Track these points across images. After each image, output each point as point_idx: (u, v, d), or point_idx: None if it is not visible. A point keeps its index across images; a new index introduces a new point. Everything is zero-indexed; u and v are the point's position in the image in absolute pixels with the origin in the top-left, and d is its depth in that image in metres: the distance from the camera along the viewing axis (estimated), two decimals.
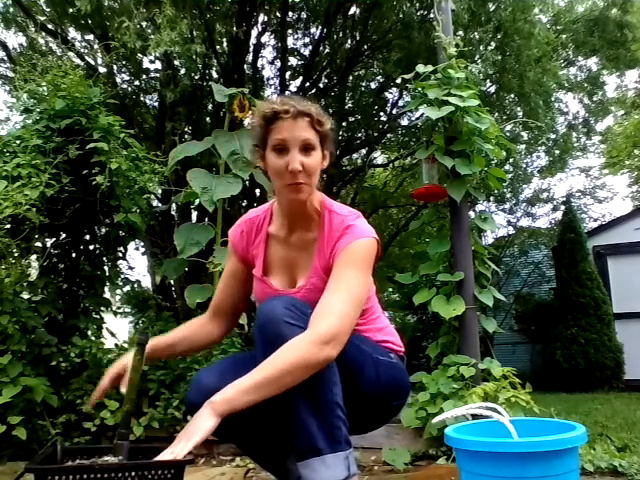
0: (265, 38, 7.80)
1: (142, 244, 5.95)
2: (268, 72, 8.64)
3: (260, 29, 7.50)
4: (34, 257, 3.00)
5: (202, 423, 1.10)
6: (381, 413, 1.39)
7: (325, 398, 1.15)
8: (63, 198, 2.83)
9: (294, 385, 1.13)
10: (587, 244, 7.67)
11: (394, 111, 8.42)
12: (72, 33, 6.95)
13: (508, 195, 9.63)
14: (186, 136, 6.67)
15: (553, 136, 8.26)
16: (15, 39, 7.17)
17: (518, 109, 7.15)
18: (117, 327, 3.51)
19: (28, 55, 5.53)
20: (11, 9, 6.43)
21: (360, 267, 1.26)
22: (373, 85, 8.53)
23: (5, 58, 7.00)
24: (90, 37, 6.93)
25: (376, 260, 1.34)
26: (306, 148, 1.28)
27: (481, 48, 6.20)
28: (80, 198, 2.95)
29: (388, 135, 8.80)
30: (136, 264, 3.86)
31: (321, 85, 8.20)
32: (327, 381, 1.16)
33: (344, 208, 1.39)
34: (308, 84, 7.98)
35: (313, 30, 7.85)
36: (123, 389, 1.29)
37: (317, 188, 1.38)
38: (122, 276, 3.44)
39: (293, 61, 8.33)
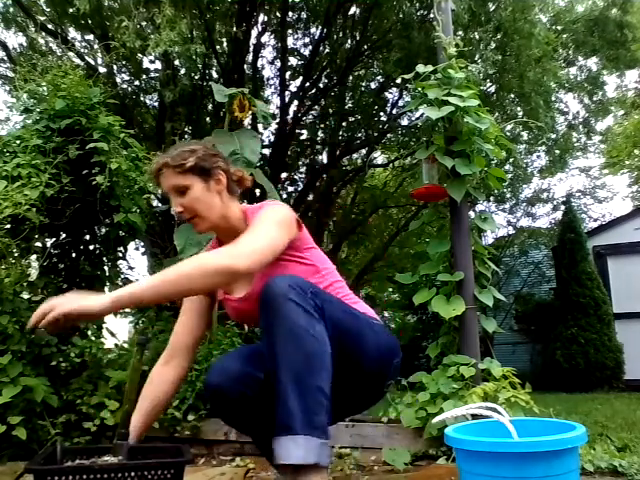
0: (265, 38, 7.81)
1: (142, 244, 5.95)
2: (268, 72, 8.65)
3: (260, 29, 7.51)
4: (34, 257, 2.99)
5: (92, 299, 1.23)
6: (386, 372, 1.45)
7: (309, 381, 1.17)
8: (63, 198, 2.83)
9: (197, 288, 1.25)
10: (587, 244, 7.67)
11: (394, 111, 8.42)
12: (72, 33, 6.96)
13: (508, 195, 9.64)
14: (186, 136, 6.67)
15: (553, 136, 8.26)
16: (15, 39, 7.19)
17: (518, 109, 7.15)
18: (117, 327, 3.50)
19: (28, 55, 5.53)
20: (11, 9, 6.43)
21: (272, 222, 1.35)
22: (373, 85, 8.53)
23: (5, 58, 7.00)
24: (90, 37, 6.93)
25: (300, 229, 1.44)
26: (179, 191, 1.43)
27: (481, 48, 6.20)
28: (80, 198, 2.94)
29: (388, 135, 8.79)
30: (136, 264, 3.86)
31: (321, 85, 8.20)
32: (314, 365, 1.18)
33: (257, 206, 1.51)
34: (308, 84, 7.98)
35: (313, 30, 7.85)
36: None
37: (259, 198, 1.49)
38: (122, 276, 3.43)
39: (293, 61, 8.34)
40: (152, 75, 7.23)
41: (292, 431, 1.14)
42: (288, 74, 8.21)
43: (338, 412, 1.46)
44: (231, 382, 1.34)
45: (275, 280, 1.25)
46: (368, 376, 1.40)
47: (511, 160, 7.31)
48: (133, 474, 1.12)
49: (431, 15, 3.79)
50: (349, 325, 1.33)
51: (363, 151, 9.24)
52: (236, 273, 1.21)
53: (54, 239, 3.13)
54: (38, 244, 3.00)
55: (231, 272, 1.20)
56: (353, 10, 7.30)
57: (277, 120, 7.80)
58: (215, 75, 7.41)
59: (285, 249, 1.38)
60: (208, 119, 7.50)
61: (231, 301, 1.52)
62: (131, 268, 3.67)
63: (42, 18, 6.16)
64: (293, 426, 1.14)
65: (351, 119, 8.61)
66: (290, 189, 9.36)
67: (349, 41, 7.73)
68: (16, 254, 2.80)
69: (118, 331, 3.38)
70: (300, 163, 9.39)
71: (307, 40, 8.04)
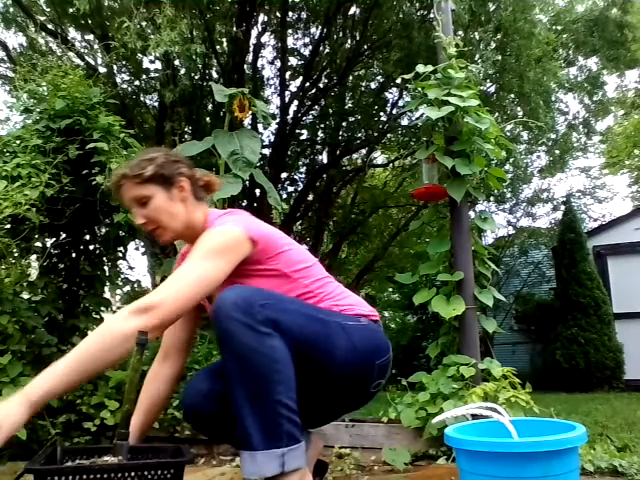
0: (265, 38, 7.82)
1: (142, 244, 5.94)
2: (268, 72, 8.66)
3: (260, 29, 7.51)
4: (34, 257, 2.99)
5: (9, 417, 1.06)
6: (369, 376, 1.39)
7: (265, 397, 1.16)
8: (63, 198, 2.83)
9: (114, 359, 1.15)
10: (587, 244, 7.67)
11: (394, 111, 8.43)
12: (72, 33, 6.97)
13: (508, 195, 9.65)
14: (186, 136, 6.68)
15: (553, 136, 8.27)
16: (15, 39, 7.20)
17: (518, 109, 7.15)
18: None
19: (28, 55, 5.53)
20: (11, 9, 6.44)
21: (205, 252, 1.28)
22: (373, 85, 8.54)
23: (5, 58, 7.00)
24: (90, 37, 6.94)
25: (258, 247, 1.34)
26: (140, 202, 1.40)
27: (481, 48, 6.20)
28: (80, 198, 2.94)
29: (388, 135, 8.80)
30: (136, 264, 3.85)
31: (321, 85, 8.20)
32: (269, 380, 1.16)
33: (220, 212, 1.46)
34: (308, 84, 7.99)
35: (313, 30, 7.86)
36: None
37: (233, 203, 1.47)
38: (122, 276, 3.43)
39: (293, 61, 8.35)
40: (152, 75, 7.24)
41: (250, 447, 1.16)
42: (288, 74, 8.22)
43: (320, 415, 1.47)
44: (201, 401, 1.38)
45: (221, 298, 1.20)
46: (343, 380, 1.34)
47: (511, 160, 7.31)
48: (133, 474, 1.12)
49: (431, 15, 3.79)
50: (312, 332, 1.26)
51: (363, 151, 9.25)
52: (152, 331, 1.15)
53: (54, 239, 3.13)
54: (38, 244, 3.00)
55: (139, 329, 1.14)
56: (353, 10, 7.31)
57: (277, 120, 7.80)
58: (215, 75, 7.42)
59: (245, 265, 1.32)
60: (208, 119, 7.50)
61: (208, 306, 1.50)
62: (131, 268, 3.67)
63: (42, 18, 6.16)
64: (250, 442, 1.16)
65: (351, 119, 8.62)
66: (290, 189, 9.38)
67: (349, 41, 7.74)
68: (16, 254, 2.80)
69: None
70: (300, 163, 9.40)
71: (307, 40, 8.06)
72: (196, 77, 6.88)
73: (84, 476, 1.10)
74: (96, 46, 6.44)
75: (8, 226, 2.66)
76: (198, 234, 1.37)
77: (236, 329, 1.16)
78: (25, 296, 2.84)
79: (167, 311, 1.18)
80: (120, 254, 3.35)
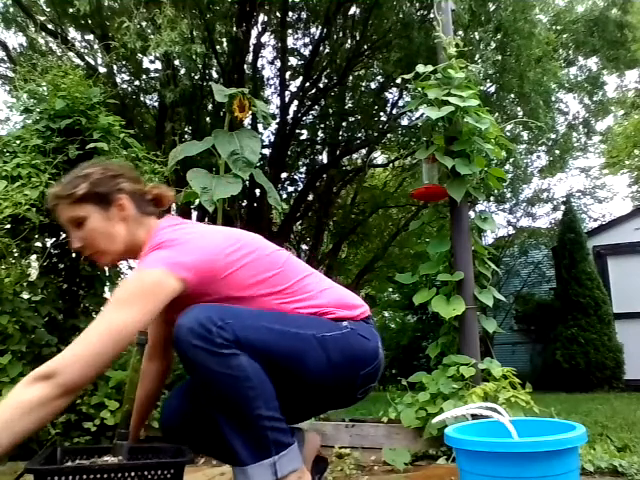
0: (265, 38, 7.83)
1: None
2: (268, 72, 8.67)
3: (260, 29, 7.52)
4: (34, 257, 2.99)
5: None
6: (352, 385, 1.33)
7: (245, 415, 1.14)
8: None
9: (31, 425, 1.05)
10: (587, 244, 7.67)
11: (394, 111, 8.43)
12: (72, 33, 6.97)
13: (508, 195, 9.65)
14: (186, 136, 6.68)
15: (553, 136, 8.27)
16: (15, 39, 7.20)
17: (518, 109, 7.15)
18: None
19: (28, 55, 5.53)
20: (11, 9, 6.44)
21: (119, 301, 1.16)
22: (373, 85, 8.55)
23: (5, 58, 7.00)
24: (90, 37, 6.94)
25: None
26: (77, 223, 1.29)
27: (481, 48, 6.20)
28: None
29: (388, 135, 8.80)
30: (136, 264, 3.85)
31: (321, 85, 8.20)
32: (244, 398, 1.14)
33: (154, 238, 1.28)
34: (308, 84, 7.99)
35: (313, 30, 7.87)
36: None
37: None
38: (122, 276, 3.43)
39: (293, 61, 8.36)
40: (152, 75, 7.24)
41: (239, 463, 1.17)
42: (288, 74, 8.23)
43: (302, 414, 1.46)
44: (175, 420, 1.40)
45: (178, 325, 1.14)
46: (321, 392, 1.30)
47: (511, 160, 7.32)
48: (133, 474, 1.12)
49: (431, 15, 3.79)
50: (281, 348, 1.19)
51: (363, 151, 9.25)
52: (54, 400, 1.05)
53: (54, 239, 3.12)
54: (38, 244, 3.00)
55: (47, 403, 1.05)
56: (353, 10, 7.31)
57: (277, 120, 7.81)
58: (215, 75, 7.42)
59: (188, 300, 1.19)
60: (208, 119, 7.50)
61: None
62: (131, 268, 3.67)
63: (42, 18, 6.16)
64: (239, 459, 1.16)
65: (351, 119, 8.62)
66: (290, 189, 9.39)
67: (349, 41, 7.74)
68: (16, 254, 2.79)
69: None
70: (300, 163, 9.40)
71: (307, 40, 8.06)
72: (196, 77, 6.88)
73: (84, 476, 1.10)
74: (96, 46, 6.44)
75: (8, 226, 2.66)
76: (141, 252, 1.27)
77: (198, 356, 1.11)
78: (25, 296, 2.84)
79: (71, 376, 1.07)
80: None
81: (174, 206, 5.61)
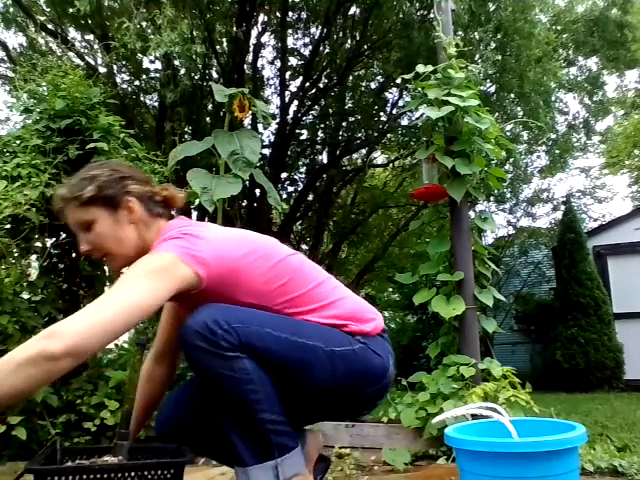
0: (265, 38, 7.83)
1: None
2: (268, 72, 8.66)
3: (260, 29, 7.52)
4: (34, 257, 2.99)
5: None
6: (357, 402, 1.32)
7: (248, 418, 1.15)
8: None
9: (20, 382, 0.98)
10: (587, 244, 7.67)
11: (394, 111, 8.43)
12: (72, 33, 6.97)
13: (508, 195, 9.64)
14: (186, 136, 6.68)
15: (553, 136, 8.27)
16: (15, 39, 7.20)
17: (518, 109, 7.15)
18: None
19: (28, 55, 5.53)
20: (11, 9, 6.44)
21: (134, 277, 1.13)
22: (373, 85, 8.55)
23: (5, 58, 7.00)
24: (90, 37, 6.95)
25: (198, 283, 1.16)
26: (85, 227, 1.26)
27: (481, 48, 6.20)
28: None
29: (388, 135, 8.80)
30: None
31: (321, 85, 8.20)
32: (246, 401, 1.14)
33: (167, 232, 1.25)
34: (308, 84, 7.99)
35: (313, 30, 7.87)
36: None
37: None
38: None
39: (293, 61, 8.35)
40: (152, 75, 7.24)
41: (242, 464, 1.17)
42: (288, 74, 8.22)
43: (306, 420, 1.43)
44: (168, 428, 1.37)
45: (185, 326, 1.14)
46: (324, 404, 1.29)
47: (511, 160, 7.32)
48: (133, 474, 1.12)
49: (431, 15, 3.79)
50: (286, 358, 1.18)
51: (363, 151, 9.25)
52: (49, 358, 0.98)
53: (54, 239, 3.12)
54: (38, 244, 3.00)
55: (43, 359, 0.97)
56: (353, 10, 7.31)
57: (277, 120, 7.81)
58: (215, 75, 7.42)
59: (210, 296, 1.18)
60: (208, 119, 7.50)
61: None
62: None
63: (42, 18, 6.16)
64: (241, 460, 1.16)
65: (351, 119, 8.62)
66: (290, 189, 9.39)
67: (349, 41, 7.74)
68: (16, 254, 2.80)
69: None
70: (300, 163, 9.40)
71: (307, 40, 8.06)
72: (196, 77, 6.88)
73: (84, 476, 1.10)
74: (96, 46, 6.44)
75: (8, 226, 2.66)
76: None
77: (203, 357, 1.12)
78: (25, 296, 2.84)
79: (76, 340, 1.00)
80: None
81: None
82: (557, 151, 8.74)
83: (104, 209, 1.25)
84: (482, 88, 6.08)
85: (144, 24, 5.24)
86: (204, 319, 1.12)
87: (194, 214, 6.14)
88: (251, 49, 7.39)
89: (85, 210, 1.25)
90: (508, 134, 7.31)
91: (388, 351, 1.34)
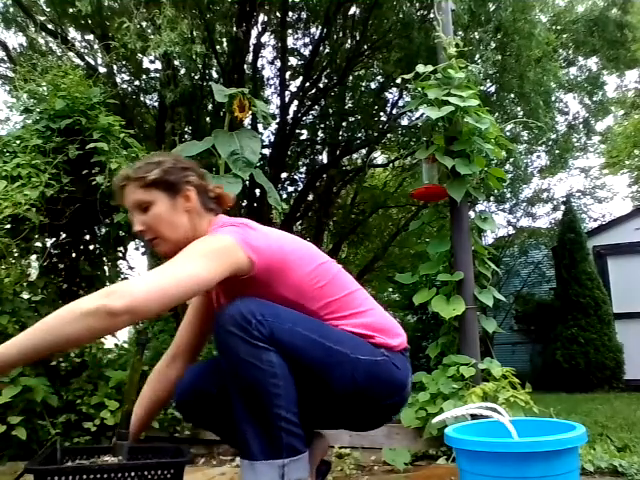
0: (265, 38, 7.82)
1: (142, 244, 5.94)
2: (268, 72, 8.65)
3: (260, 29, 7.51)
4: (34, 257, 2.99)
5: None
6: (372, 412, 1.36)
7: (264, 410, 1.16)
8: (63, 198, 2.83)
9: (70, 333, 1.04)
10: (587, 244, 7.67)
11: (394, 111, 8.42)
12: (72, 33, 6.96)
13: (508, 195, 9.64)
14: (186, 136, 6.67)
15: (553, 136, 8.26)
16: (15, 39, 7.20)
17: (518, 109, 7.15)
18: None
19: (28, 55, 5.52)
20: (11, 9, 6.44)
21: (198, 253, 1.18)
22: (373, 85, 8.54)
23: (5, 58, 7.00)
24: (90, 37, 6.94)
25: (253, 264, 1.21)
26: (141, 208, 1.32)
27: (481, 48, 6.19)
28: (80, 198, 2.94)
29: (388, 135, 8.79)
30: (136, 264, 3.85)
31: (321, 85, 8.20)
32: (267, 393, 1.16)
33: (220, 222, 1.34)
34: (308, 84, 7.98)
35: (313, 30, 7.86)
36: None
37: (219, 212, 1.41)
38: (122, 276, 3.43)
39: (293, 61, 8.35)
40: (152, 75, 7.24)
41: (249, 456, 1.17)
42: (288, 74, 8.22)
43: (320, 424, 1.45)
44: (187, 396, 1.39)
45: (221, 311, 1.20)
46: (340, 408, 1.31)
47: (511, 160, 7.31)
48: (133, 474, 1.12)
49: (431, 15, 3.79)
50: (310, 358, 1.22)
51: (363, 151, 9.25)
52: (108, 315, 1.03)
53: (54, 239, 3.13)
54: (38, 244, 3.00)
55: (103, 313, 1.03)
56: (353, 10, 7.30)
57: (277, 120, 7.80)
58: (215, 75, 7.42)
59: (256, 286, 1.23)
60: (208, 119, 7.50)
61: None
62: (131, 268, 3.67)
63: (42, 18, 6.15)
64: (250, 452, 1.17)
65: (351, 119, 8.61)
66: (290, 189, 9.38)
67: (349, 41, 7.73)
68: (16, 254, 2.80)
69: (118, 331, 3.39)
70: (300, 163, 9.40)
71: (307, 40, 8.05)
72: (196, 77, 6.87)
73: (84, 476, 1.10)
74: (96, 46, 6.43)
75: (8, 226, 2.66)
76: None
77: (234, 343, 1.15)
78: (25, 296, 2.84)
79: (136, 298, 1.06)
80: (120, 254, 3.35)
81: None
82: (557, 151, 8.74)
83: (164, 193, 1.31)
84: (482, 88, 6.08)
85: (144, 24, 5.23)
86: (241, 308, 1.17)
87: None
88: (251, 49, 7.38)
89: (147, 191, 1.31)
90: (508, 134, 7.30)
91: (408, 369, 1.38)
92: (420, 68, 2.88)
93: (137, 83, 7.45)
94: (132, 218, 1.36)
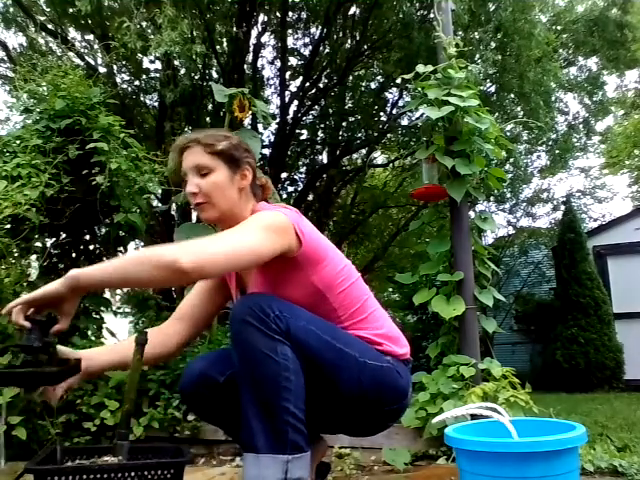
0: (265, 38, 7.82)
1: (142, 244, 5.95)
2: (268, 72, 8.65)
3: (260, 29, 7.51)
4: (34, 257, 2.99)
5: (50, 285, 1.17)
6: (374, 417, 1.38)
7: (273, 402, 1.16)
8: (63, 198, 2.83)
9: (144, 276, 1.12)
10: (587, 244, 7.67)
11: (394, 111, 8.42)
12: (72, 33, 6.96)
13: (508, 195, 9.63)
14: None
15: (553, 136, 8.26)
16: (15, 39, 7.18)
17: (518, 109, 7.15)
18: (117, 327, 3.51)
19: (28, 55, 5.52)
20: (11, 9, 6.44)
21: (257, 226, 1.24)
22: (373, 85, 8.54)
23: (5, 58, 7.00)
24: (90, 37, 6.94)
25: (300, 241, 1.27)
26: (201, 172, 1.36)
27: (481, 48, 6.19)
28: (80, 198, 2.94)
29: (388, 135, 8.79)
30: None
31: (321, 85, 8.20)
32: (278, 386, 1.16)
33: (265, 206, 1.42)
34: (308, 84, 7.98)
35: (313, 30, 7.86)
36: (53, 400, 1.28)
37: (264, 198, 1.48)
38: None
39: (293, 61, 8.35)
40: (152, 75, 7.24)
41: (254, 449, 1.17)
42: (288, 74, 8.22)
43: (325, 426, 1.46)
44: (194, 382, 1.39)
45: (239, 302, 1.24)
46: (344, 409, 1.34)
47: (511, 160, 7.31)
48: (133, 474, 1.12)
49: (431, 15, 3.79)
50: (320, 358, 1.25)
51: (363, 151, 9.25)
52: (178, 270, 1.09)
53: (54, 239, 3.13)
54: (38, 244, 3.00)
55: (172, 267, 1.09)
56: (353, 10, 7.30)
57: (277, 120, 7.80)
58: (215, 75, 7.41)
59: (281, 272, 1.29)
60: (208, 119, 7.49)
61: (235, 298, 1.48)
62: None
63: (42, 18, 6.16)
64: (255, 444, 1.16)
65: (351, 119, 8.61)
66: (290, 189, 9.37)
67: (349, 41, 7.73)
68: (16, 254, 2.80)
69: (118, 331, 3.39)
70: (300, 163, 9.39)
71: (307, 40, 8.05)
72: (196, 77, 6.87)
73: (84, 476, 1.10)
74: (96, 46, 6.44)
75: (8, 226, 2.66)
76: (238, 222, 1.32)
77: (249, 333, 1.17)
78: None
79: (205, 259, 1.13)
80: (120, 254, 3.35)
81: (174, 206, 5.62)
82: (557, 151, 8.73)
83: (226, 165, 1.38)
84: (482, 88, 6.08)
85: (144, 24, 5.23)
86: (259, 301, 1.20)
87: (194, 214, 6.14)
88: (251, 49, 7.38)
89: (211, 158, 1.37)
90: (508, 134, 7.30)
91: (410, 379, 1.45)
92: (420, 68, 2.88)
93: (137, 83, 7.44)
94: (185, 178, 1.40)
